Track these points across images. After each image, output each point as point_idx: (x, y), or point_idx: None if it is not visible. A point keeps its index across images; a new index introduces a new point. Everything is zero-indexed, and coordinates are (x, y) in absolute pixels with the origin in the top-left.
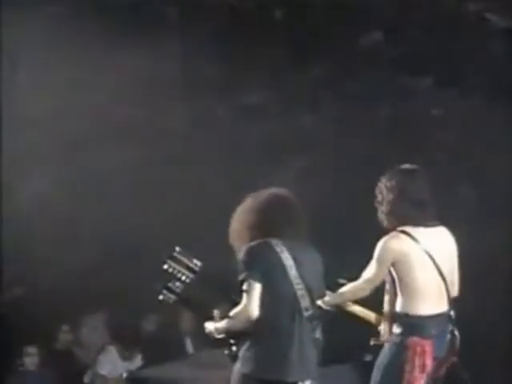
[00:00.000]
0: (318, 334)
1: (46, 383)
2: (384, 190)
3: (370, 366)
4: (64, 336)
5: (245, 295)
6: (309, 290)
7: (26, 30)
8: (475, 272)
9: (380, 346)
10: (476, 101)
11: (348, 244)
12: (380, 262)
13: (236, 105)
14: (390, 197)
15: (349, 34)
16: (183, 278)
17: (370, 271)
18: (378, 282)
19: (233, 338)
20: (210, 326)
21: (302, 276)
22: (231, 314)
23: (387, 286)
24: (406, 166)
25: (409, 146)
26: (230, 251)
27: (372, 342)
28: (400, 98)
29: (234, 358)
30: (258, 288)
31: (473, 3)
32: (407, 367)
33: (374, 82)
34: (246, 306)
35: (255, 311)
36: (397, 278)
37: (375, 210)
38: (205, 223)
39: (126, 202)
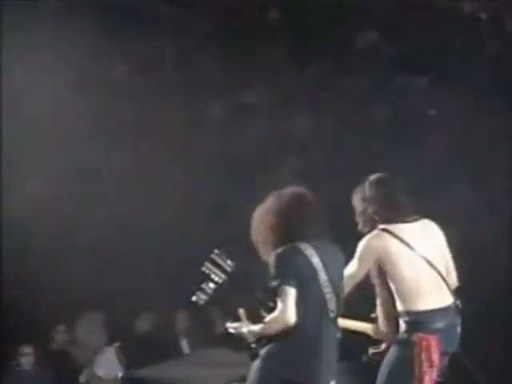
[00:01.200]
0: (339, 334)
1: (42, 383)
2: (355, 201)
3: (367, 366)
4: (60, 336)
5: (280, 302)
6: (336, 293)
7: (25, 29)
8: (473, 268)
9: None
10: (473, 100)
11: (348, 244)
12: (361, 259)
13: (235, 104)
14: (362, 207)
15: (347, 33)
16: (216, 278)
17: (351, 268)
18: (358, 279)
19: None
20: (241, 327)
21: (330, 279)
22: (267, 319)
23: (377, 289)
24: (375, 175)
25: (407, 145)
26: (230, 251)
27: (370, 351)
28: (398, 97)
29: (254, 355)
30: (293, 294)
31: (468, 3)
32: (415, 363)
33: (372, 82)
34: (282, 312)
35: (292, 318)
36: (388, 276)
37: None
38: (204, 223)
39: (125, 202)
